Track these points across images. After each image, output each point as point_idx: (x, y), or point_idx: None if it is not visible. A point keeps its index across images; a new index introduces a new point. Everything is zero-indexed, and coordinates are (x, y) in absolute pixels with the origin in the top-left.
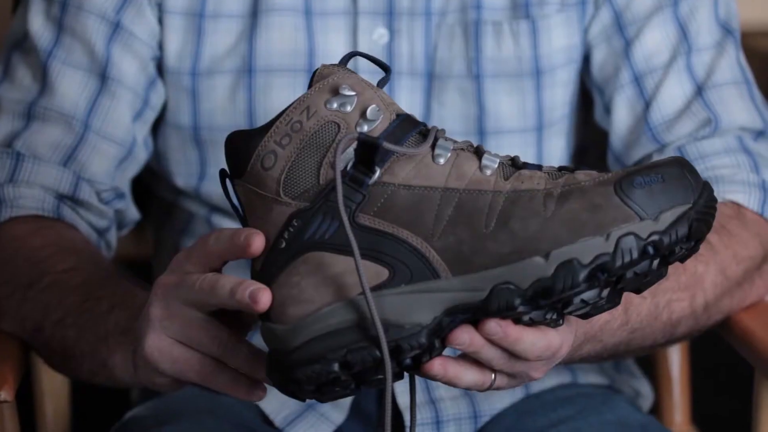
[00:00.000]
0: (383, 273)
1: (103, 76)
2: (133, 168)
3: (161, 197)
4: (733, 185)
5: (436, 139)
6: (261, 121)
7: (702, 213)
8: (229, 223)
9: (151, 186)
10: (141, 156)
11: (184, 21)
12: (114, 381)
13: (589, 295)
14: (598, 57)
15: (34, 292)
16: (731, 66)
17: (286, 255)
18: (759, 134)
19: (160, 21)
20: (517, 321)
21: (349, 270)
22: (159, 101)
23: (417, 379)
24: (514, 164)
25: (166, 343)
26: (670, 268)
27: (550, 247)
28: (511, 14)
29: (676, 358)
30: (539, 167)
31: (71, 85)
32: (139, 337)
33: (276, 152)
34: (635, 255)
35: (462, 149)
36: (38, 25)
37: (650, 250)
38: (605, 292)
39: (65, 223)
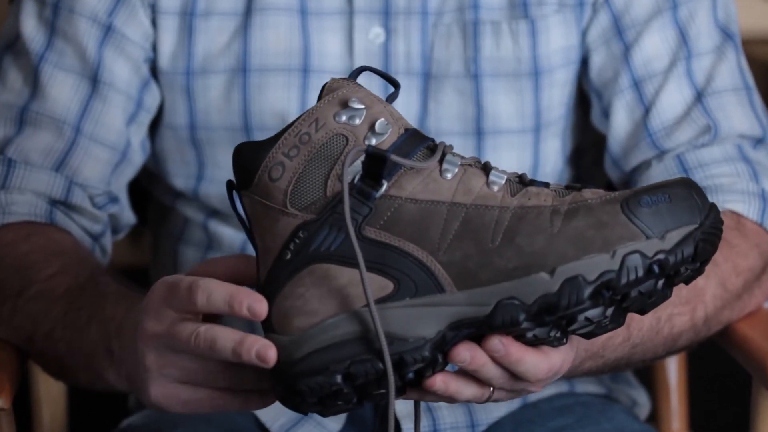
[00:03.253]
0: (388, 286)
1: (94, 80)
2: (129, 172)
3: (159, 201)
4: (733, 194)
5: (444, 155)
6: (256, 120)
7: (708, 234)
8: (227, 230)
9: (150, 189)
10: (137, 159)
11: (177, 21)
12: (114, 390)
13: (593, 313)
14: (597, 61)
15: (23, 302)
16: (731, 71)
17: (292, 266)
18: (758, 142)
19: (154, 22)
20: (521, 338)
21: (354, 282)
22: (154, 103)
23: None
24: (522, 181)
25: (172, 388)
26: None
27: (556, 263)
28: (510, 14)
29: (673, 367)
30: (546, 185)
31: (63, 90)
32: (141, 387)
33: (284, 164)
34: (641, 273)
35: (470, 165)
36: (30, 28)
37: (656, 269)
38: (609, 311)
39: (57, 227)
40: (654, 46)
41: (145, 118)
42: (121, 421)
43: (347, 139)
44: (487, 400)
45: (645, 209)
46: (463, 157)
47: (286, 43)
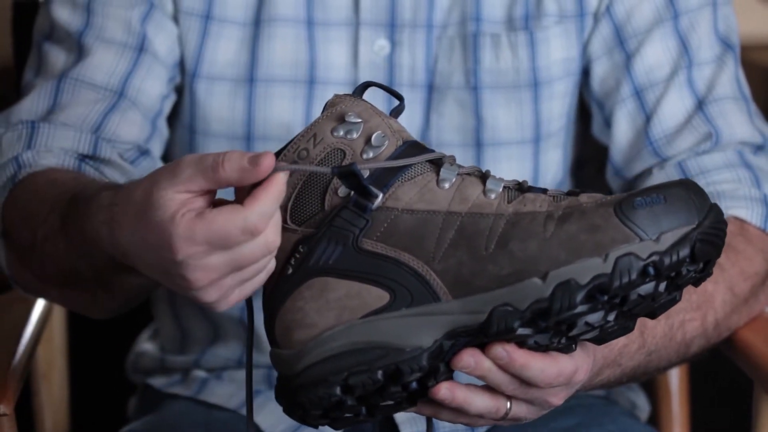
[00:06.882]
0: (384, 297)
1: (140, 49)
2: (157, 144)
3: None
4: (736, 201)
5: (441, 164)
6: (259, 130)
7: (707, 234)
8: None
9: None
10: (164, 133)
11: (196, 22)
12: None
13: (593, 318)
14: (599, 70)
15: (38, 253)
16: (731, 81)
17: (292, 281)
18: (758, 148)
19: (176, 19)
20: (523, 344)
21: (351, 294)
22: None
23: None
24: (520, 188)
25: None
26: None
27: (548, 267)
28: (509, 26)
29: (674, 371)
30: (545, 191)
31: (106, 57)
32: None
33: None
34: (634, 276)
35: (468, 174)
36: (66, 15)
37: (651, 271)
38: (611, 316)
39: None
40: (655, 55)
41: (173, 98)
42: (121, 428)
43: (345, 154)
44: (506, 416)
45: (639, 211)
46: (461, 167)
47: (293, 54)
